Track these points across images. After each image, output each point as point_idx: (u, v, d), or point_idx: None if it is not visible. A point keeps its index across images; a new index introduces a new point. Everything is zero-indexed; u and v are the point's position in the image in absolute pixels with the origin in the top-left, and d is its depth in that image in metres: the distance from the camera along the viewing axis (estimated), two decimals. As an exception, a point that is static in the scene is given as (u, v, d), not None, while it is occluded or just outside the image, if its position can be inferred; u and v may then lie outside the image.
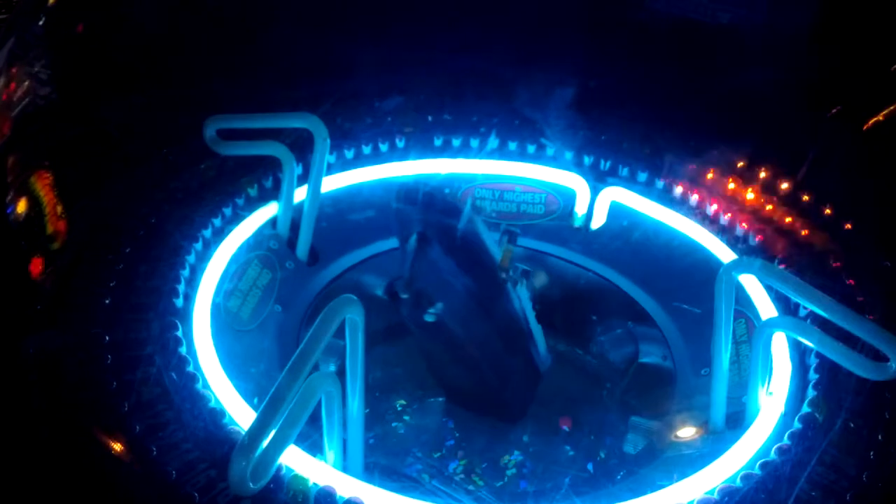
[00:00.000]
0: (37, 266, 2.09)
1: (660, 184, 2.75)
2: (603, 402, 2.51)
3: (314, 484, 1.67)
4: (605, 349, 2.69)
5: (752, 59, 3.09)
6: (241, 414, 1.86)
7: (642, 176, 2.80)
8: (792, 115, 2.86)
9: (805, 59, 3.06)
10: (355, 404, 1.77)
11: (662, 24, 3.31)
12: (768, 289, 2.27)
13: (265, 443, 1.45)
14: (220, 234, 2.41)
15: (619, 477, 2.11)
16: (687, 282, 2.52)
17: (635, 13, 3.35)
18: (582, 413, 2.47)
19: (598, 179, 2.80)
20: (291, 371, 1.53)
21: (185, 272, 2.23)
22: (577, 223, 2.82)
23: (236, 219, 2.48)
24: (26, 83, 2.25)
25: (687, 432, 2.11)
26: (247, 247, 2.44)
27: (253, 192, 2.58)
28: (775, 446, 1.85)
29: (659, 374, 2.53)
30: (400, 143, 2.90)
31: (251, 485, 1.43)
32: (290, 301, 2.49)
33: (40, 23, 2.37)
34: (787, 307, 2.26)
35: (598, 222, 2.79)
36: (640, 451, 2.29)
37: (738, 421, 2.05)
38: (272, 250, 2.51)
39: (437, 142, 2.93)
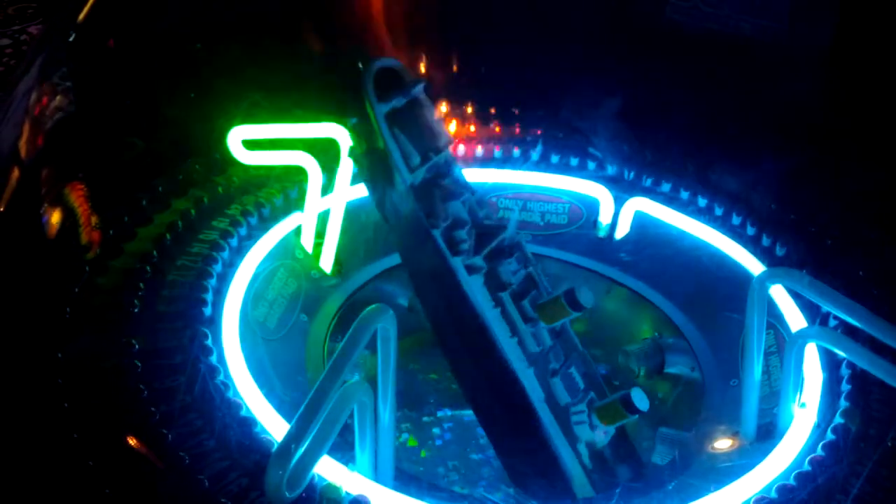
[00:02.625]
0: (69, 275, 2.11)
1: (685, 194, 2.75)
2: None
3: (347, 493, 1.66)
4: (632, 360, 2.67)
5: (774, 69, 3.09)
6: (271, 422, 1.86)
7: (666, 186, 2.80)
8: (816, 123, 2.85)
9: (828, 68, 3.06)
10: (386, 414, 1.77)
11: (684, 35, 3.32)
12: (797, 299, 2.26)
13: (301, 451, 1.45)
14: (246, 244, 2.42)
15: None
16: (714, 292, 2.51)
17: (656, 24, 3.36)
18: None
19: (623, 189, 2.80)
20: (326, 380, 1.53)
21: (213, 281, 2.24)
22: (602, 233, 2.82)
23: (262, 228, 2.49)
24: (58, 97, 2.28)
25: (718, 443, 2.09)
26: (273, 256, 2.44)
27: (278, 201, 2.60)
28: (809, 457, 1.84)
29: (687, 385, 2.52)
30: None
31: (287, 494, 1.43)
32: (315, 310, 2.50)
33: (71, 38, 2.40)
34: (816, 317, 2.24)
35: (622, 232, 2.78)
36: (669, 462, 2.28)
37: (769, 432, 2.03)
38: (297, 260, 2.52)
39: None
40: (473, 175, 2.85)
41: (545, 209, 2.88)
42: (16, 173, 2.13)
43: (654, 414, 2.48)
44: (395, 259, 2.75)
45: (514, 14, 3.19)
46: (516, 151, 2.95)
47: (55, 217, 2.13)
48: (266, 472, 1.41)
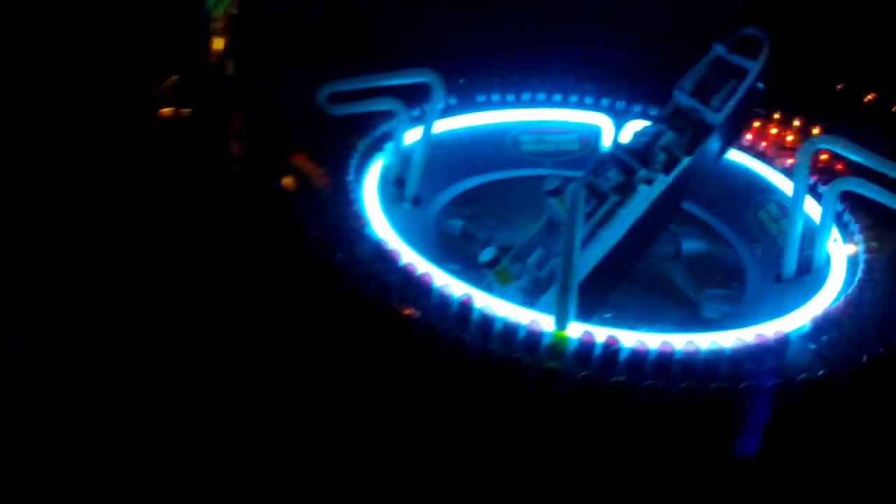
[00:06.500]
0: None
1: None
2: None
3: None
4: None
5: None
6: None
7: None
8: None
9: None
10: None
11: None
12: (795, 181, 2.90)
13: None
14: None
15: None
16: (715, 188, 3.10)
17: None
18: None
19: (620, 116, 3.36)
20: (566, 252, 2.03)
21: None
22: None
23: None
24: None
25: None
26: None
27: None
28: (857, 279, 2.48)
29: (708, 257, 3.16)
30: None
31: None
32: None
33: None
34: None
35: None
36: (722, 316, 2.88)
37: (802, 270, 2.67)
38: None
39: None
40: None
41: (559, 139, 3.40)
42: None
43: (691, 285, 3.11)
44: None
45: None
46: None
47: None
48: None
